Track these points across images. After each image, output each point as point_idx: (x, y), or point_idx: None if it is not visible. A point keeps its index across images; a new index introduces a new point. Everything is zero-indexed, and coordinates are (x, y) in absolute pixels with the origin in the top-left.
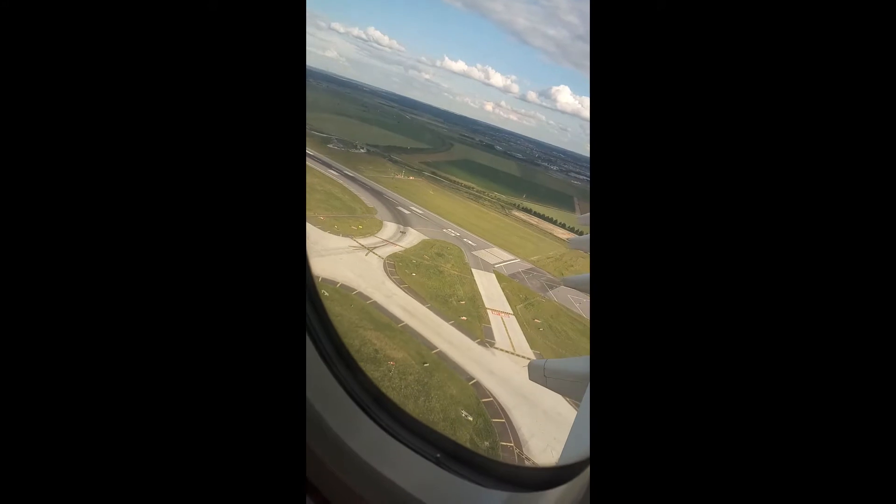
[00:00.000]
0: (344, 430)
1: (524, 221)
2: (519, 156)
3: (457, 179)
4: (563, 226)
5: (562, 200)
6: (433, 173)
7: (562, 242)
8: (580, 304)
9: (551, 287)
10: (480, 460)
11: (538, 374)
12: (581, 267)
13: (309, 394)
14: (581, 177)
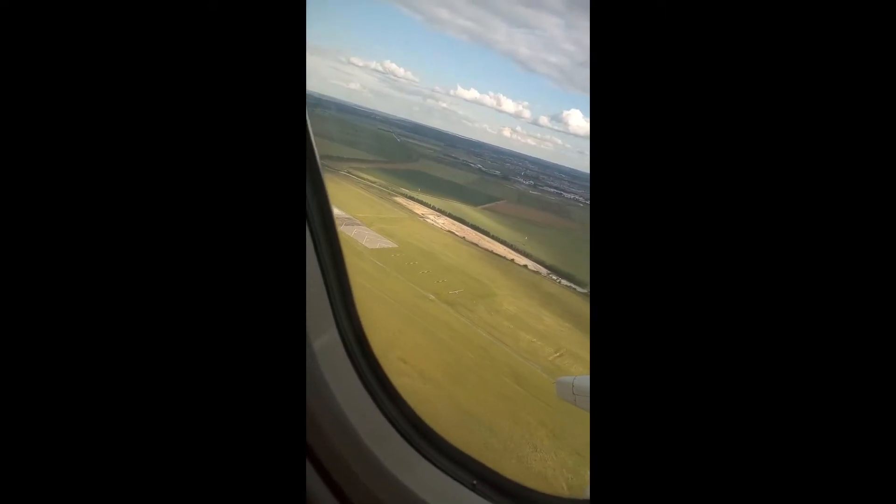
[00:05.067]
0: (386, 455)
1: (395, 202)
2: (497, 173)
3: (368, 178)
4: (433, 209)
5: (477, 199)
6: (349, 173)
7: (412, 214)
8: (367, 238)
9: (349, 224)
10: (521, 490)
11: (567, 391)
12: (406, 229)
13: (356, 425)
14: (551, 190)
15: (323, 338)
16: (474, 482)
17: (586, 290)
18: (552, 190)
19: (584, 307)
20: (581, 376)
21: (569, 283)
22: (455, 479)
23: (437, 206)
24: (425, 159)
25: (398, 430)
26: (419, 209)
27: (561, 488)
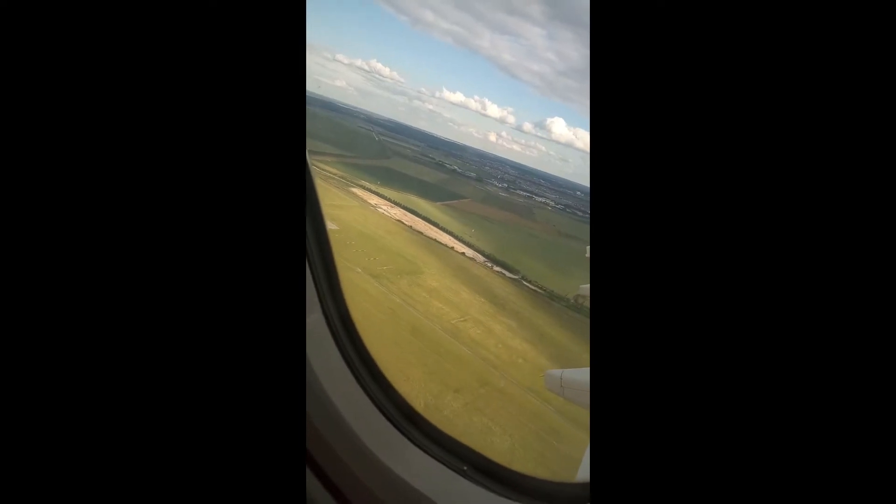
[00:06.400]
0: (374, 441)
1: (351, 192)
2: (472, 174)
3: (331, 170)
4: (389, 200)
5: (441, 196)
6: (311, 164)
7: (364, 203)
8: None
9: None
10: (510, 475)
11: (555, 384)
12: (353, 215)
13: (341, 408)
14: (523, 193)
15: (307, 320)
16: (464, 468)
17: (516, 276)
18: (524, 193)
19: (505, 287)
20: (568, 370)
21: (500, 270)
22: (445, 464)
23: (393, 199)
24: (399, 157)
25: (386, 416)
26: (373, 199)
27: (420, 405)
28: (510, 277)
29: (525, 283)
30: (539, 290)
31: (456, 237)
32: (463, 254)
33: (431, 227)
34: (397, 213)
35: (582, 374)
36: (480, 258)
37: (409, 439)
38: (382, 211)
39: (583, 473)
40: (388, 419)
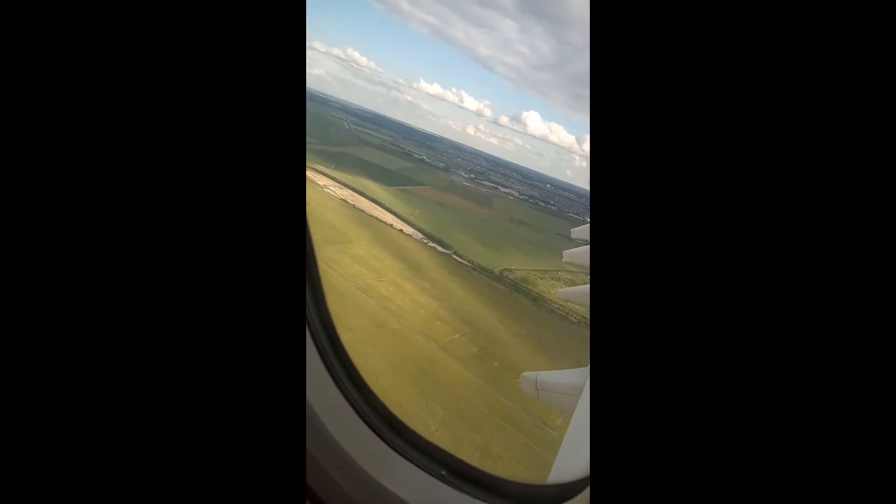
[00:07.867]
0: (352, 446)
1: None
2: (440, 164)
3: None
4: (338, 182)
5: (398, 182)
6: None
7: (312, 183)
8: None
9: None
10: (486, 478)
11: (530, 386)
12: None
13: (319, 412)
14: (489, 183)
15: None
16: (443, 472)
17: (448, 251)
18: (489, 183)
19: (433, 259)
20: (543, 372)
21: (434, 245)
22: (425, 470)
23: (343, 181)
24: (365, 145)
25: (368, 425)
26: (322, 181)
27: None
28: (441, 252)
29: (455, 256)
30: (466, 263)
31: (399, 216)
32: (401, 230)
33: (376, 207)
34: (345, 193)
35: (556, 377)
36: (418, 235)
37: (389, 445)
38: (329, 191)
39: (555, 475)
40: (369, 426)
